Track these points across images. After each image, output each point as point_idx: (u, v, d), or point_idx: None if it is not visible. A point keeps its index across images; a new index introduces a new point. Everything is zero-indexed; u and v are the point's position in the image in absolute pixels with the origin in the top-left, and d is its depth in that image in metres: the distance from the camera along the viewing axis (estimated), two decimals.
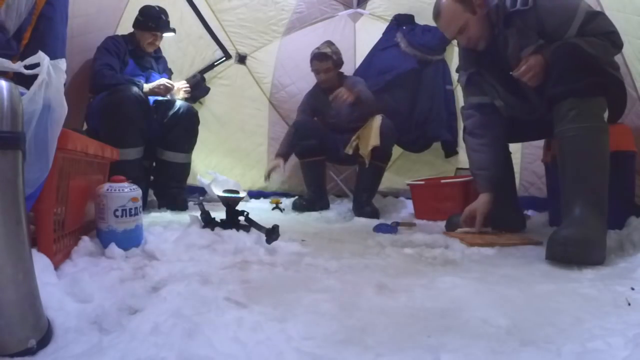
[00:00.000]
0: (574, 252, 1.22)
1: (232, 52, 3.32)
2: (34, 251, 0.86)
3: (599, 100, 1.39)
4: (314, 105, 2.99)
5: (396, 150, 3.04)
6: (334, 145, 2.90)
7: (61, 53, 1.40)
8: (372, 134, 2.56)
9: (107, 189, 1.29)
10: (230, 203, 1.75)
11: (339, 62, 2.87)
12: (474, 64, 1.83)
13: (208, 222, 1.66)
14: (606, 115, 1.40)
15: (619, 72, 1.60)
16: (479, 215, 1.76)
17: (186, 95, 2.65)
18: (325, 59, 2.79)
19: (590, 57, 1.41)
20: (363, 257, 1.38)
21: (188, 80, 2.88)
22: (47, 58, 0.84)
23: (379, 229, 1.95)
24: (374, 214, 2.47)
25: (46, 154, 0.87)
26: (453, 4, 1.67)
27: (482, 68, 1.81)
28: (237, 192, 1.87)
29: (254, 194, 3.40)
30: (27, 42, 1.28)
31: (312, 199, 2.84)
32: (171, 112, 2.53)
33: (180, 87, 2.60)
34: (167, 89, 2.49)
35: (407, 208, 2.79)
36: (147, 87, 2.43)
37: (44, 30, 1.32)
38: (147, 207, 2.44)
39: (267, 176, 2.87)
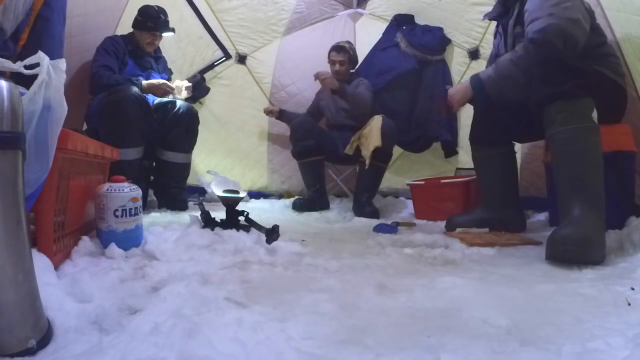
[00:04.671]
0: (574, 251, 1.22)
1: (232, 52, 3.32)
2: (34, 251, 0.86)
3: (585, 101, 1.42)
4: (318, 100, 3.13)
5: (396, 150, 3.04)
6: (332, 144, 2.91)
7: (58, 54, 1.39)
8: (373, 134, 2.57)
9: (107, 189, 1.29)
10: (230, 203, 1.74)
11: (354, 60, 3.05)
12: (499, 14, 1.89)
13: (208, 222, 1.66)
14: (595, 115, 1.42)
15: (622, 77, 1.61)
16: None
17: (188, 95, 2.64)
18: (343, 52, 2.94)
19: (571, 59, 1.46)
20: (363, 257, 1.38)
21: (188, 80, 2.88)
22: (47, 58, 0.84)
23: (379, 229, 1.95)
24: (374, 214, 2.47)
25: (46, 154, 0.87)
26: None
27: (502, 19, 1.87)
28: (237, 192, 1.87)
29: (254, 194, 3.40)
30: (25, 43, 1.28)
31: (312, 199, 2.84)
32: (171, 112, 2.53)
33: (181, 86, 2.59)
34: (166, 92, 2.49)
35: (407, 208, 2.79)
36: (145, 82, 2.42)
37: (41, 31, 1.31)
38: (147, 207, 2.44)
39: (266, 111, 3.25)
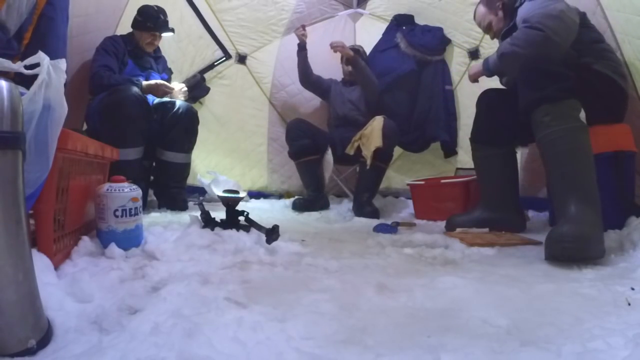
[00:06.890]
0: (573, 248, 1.22)
1: (232, 52, 3.32)
2: (34, 251, 0.86)
3: (570, 102, 1.43)
4: (329, 82, 3.22)
5: (396, 150, 3.03)
6: (329, 143, 2.91)
7: (62, 53, 1.39)
8: (374, 135, 2.57)
9: (107, 189, 1.29)
10: (230, 203, 1.74)
11: (365, 62, 3.16)
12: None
13: (208, 222, 1.66)
14: (583, 115, 1.43)
15: (622, 78, 1.62)
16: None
17: (184, 97, 2.65)
18: (357, 54, 3.03)
19: (553, 64, 1.49)
20: (363, 257, 1.38)
21: (188, 81, 2.88)
22: (47, 58, 0.84)
23: (379, 229, 1.95)
24: (374, 214, 2.47)
25: (46, 154, 0.87)
26: (481, 8, 2.12)
27: None
28: (237, 192, 1.87)
29: (254, 194, 3.40)
30: (28, 42, 1.28)
31: (311, 199, 2.84)
32: (171, 112, 2.53)
33: (178, 90, 2.60)
34: (165, 92, 2.49)
35: (407, 208, 2.79)
36: (145, 83, 2.42)
37: (45, 30, 1.31)
38: (147, 207, 2.44)
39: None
